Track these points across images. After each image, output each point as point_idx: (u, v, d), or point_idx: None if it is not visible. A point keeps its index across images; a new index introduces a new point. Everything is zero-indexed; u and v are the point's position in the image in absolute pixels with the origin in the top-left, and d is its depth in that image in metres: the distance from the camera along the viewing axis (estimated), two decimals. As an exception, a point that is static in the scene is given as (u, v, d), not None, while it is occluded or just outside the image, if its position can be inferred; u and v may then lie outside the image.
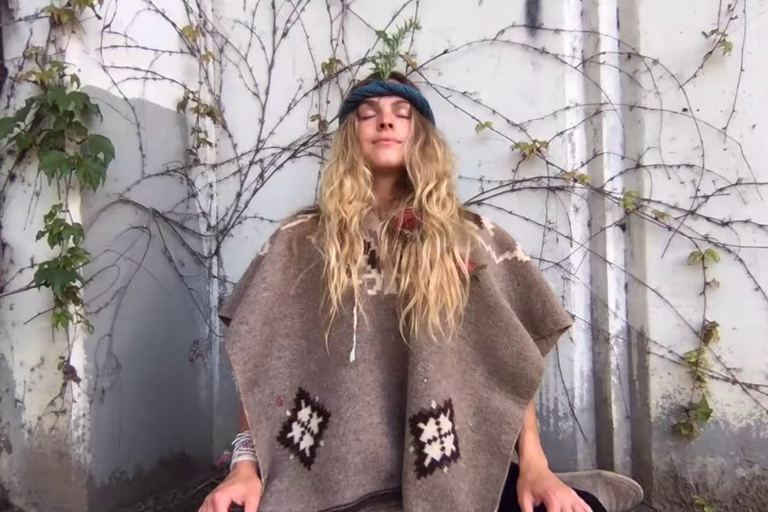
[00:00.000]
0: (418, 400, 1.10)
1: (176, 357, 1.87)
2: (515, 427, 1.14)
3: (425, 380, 1.10)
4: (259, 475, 1.12)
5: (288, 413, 1.19)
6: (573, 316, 1.64)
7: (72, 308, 1.52)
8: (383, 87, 1.24)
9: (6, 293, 1.59)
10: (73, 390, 1.55)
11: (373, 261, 1.20)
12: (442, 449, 1.09)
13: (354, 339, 1.14)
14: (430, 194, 1.19)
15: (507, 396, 1.17)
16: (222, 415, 1.99)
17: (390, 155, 1.22)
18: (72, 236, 1.46)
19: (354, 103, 1.27)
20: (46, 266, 1.47)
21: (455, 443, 1.11)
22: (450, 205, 1.21)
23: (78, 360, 1.55)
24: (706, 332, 1.51)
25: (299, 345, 1.22)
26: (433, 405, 1.10)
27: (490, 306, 1.18)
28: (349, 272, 1.16)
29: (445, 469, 1.07)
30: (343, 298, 1.14)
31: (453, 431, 1.12)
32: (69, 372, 1.54)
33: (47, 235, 1.45)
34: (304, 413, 1.18)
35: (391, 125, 1.22)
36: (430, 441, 1.08)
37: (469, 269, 1.18)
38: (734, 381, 1.51)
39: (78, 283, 1.51)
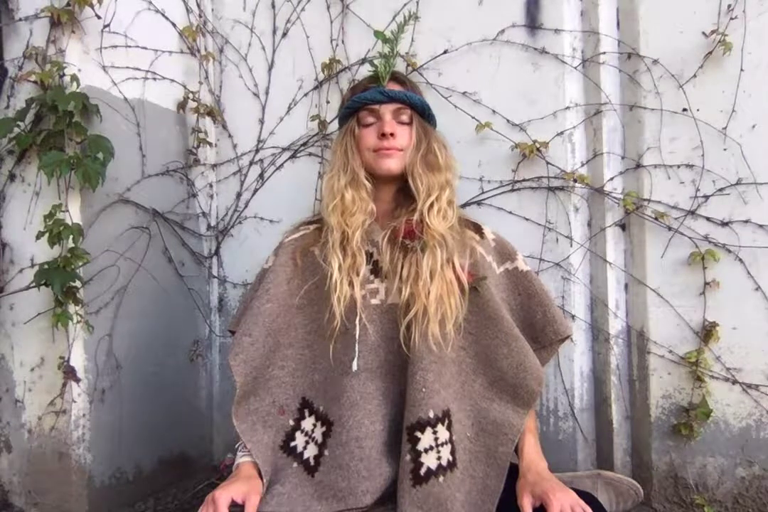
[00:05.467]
0: (416, 409, 1.10)
1: (176, 357, 1.87)
2: (512, 438, 1.15)
3: (424, 389, 1.11)
4: (260, 476, 1.13)
5: (291, 422, 1.20)
6: (573, 316, 1.64)
7: (72, 308, 1.52)
8: (383, 94, 1.22)
9: (6, 293, 1.59)
10: (73, 390, 1.55)
11: (376, 271, 1.21)
12: (439, 458, 1.09)
13: (356, 349, 1.15)
14: (431, 205, 1.19)
15: (506, 406, 1.17)
16: (222, 415, 1.99)
17: (392, 164, 1.21)
18: (72, 236, 1.46)
19: (353, 109, 1.26)
20: (46, 266, 1.47)
21: (452, 453, 1.11)
22: (450, 214, 1.20)
23: (78, 360, 1.55)
24: (706, 332, 1.51)
25: (303, 355, 1.22)
26: (431, 414, 1.10)
27: (490, 318, 1.19)
28: (351, 284, 1.16)
29: (441, 478, 1.07)
30: (346, 310, 1.15)
31: (450, 441, 1.12)
32: (69, 372, 1.54)
33: (47, 235, 1.45)
34: (307, 422, 1.19)
35: (392, 134, 1.20)
36: (426, 450, 1.09)
37: (469, 280, 1.18)
38: (734, 381, 1.51)
39: (78, 283, 1.51)
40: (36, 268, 1.50)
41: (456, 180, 1.27)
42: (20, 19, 1.58)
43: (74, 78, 1.51)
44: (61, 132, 1.51)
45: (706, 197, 1.53)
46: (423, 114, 1.26)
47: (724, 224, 1.52)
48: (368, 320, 1.16)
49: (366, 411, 1.13)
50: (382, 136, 1.21)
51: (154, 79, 1.79)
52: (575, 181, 1.62)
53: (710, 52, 1.50)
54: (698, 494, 1.52)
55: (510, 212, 1.68)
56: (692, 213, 1.54)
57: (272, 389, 1.21)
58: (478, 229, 1.29)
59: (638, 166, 1.58)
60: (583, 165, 1.65)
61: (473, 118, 1.67)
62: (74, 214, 1.53)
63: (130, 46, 1.70)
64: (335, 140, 1.32)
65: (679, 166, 1.55)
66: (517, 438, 1.15)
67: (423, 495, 1.06)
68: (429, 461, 1.08)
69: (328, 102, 1.84)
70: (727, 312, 1.51)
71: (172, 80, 1.85)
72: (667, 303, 1.55)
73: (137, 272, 1.71)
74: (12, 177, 1.61)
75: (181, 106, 1.88)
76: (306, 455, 1.15)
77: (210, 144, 1.97)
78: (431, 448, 1.09)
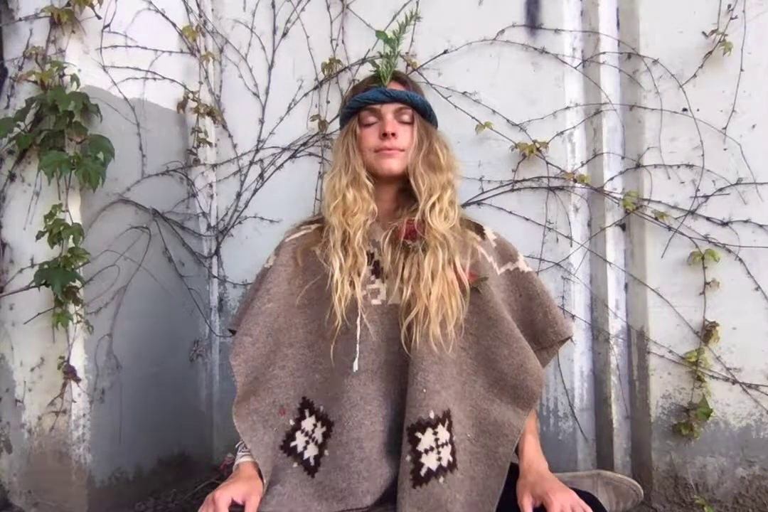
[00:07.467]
0: (416, 410, 1.10)
1: (176, 357, 1.87)
2: (512, 439, 1.15)
3: (424, 390, 1.11)
4: (260, 476, 1.13)
5: (292, 422, 1.20)
6: (573, 316, 1.64)
7: (72, 308, 1.52)
8: (385, 94, 1.22)
9: (6, 293, 1.59)
10: (73, 390, 1.55)
11: (377, 271, 1.20)
12: (439, 459, 1.09)
13: (357, 349, 1.15)
14: (433, 206, 1.18)
15: (507, 407, 1.17)
16: (222, 415, 1.99)
17: (393, 165, 1.21)
18: (72, 236, 1.46)
19: (355, 109, 1.25)
20: (46, 266, 1.47)
21: (452, 454, 1.11)
22: (452, 214, 1.20)
23: (78, 360, 1.55)
24: (706, 332, 1.51)
25: (303, 355, 1.22)
26: (432, 415, 1.10)
27: (491, 318, 1.18)
28: (352, 284, 1.16)
29: (441, 479, 1.07)
30: (347, 310, 1.15)
31: (451, 441, 1.12)
32: (69, 372, 1.54)
33: (47, 235, 1.45)
34: (308, 422, 1.18)
35: (394, 134, 1.20)
36: (426, 451, 1.09)
37: (470, 280, 1.18)
38: (734, 381, 1.51)
39: (78, 283, 1.51)
40: (36, 268, 1.49)
41: (457, 180, 1.27)
42: (20, 19, 1.58)
43: (74, 78, 1.51)
44: (61, 132, 1.51)
45: (706, 197, 1.53)
46: (424, 114, 1.26)
47: (724, 224, 1.52)
48: (369, 320, 1.16)
49: (366, 411, 1.13)
50: (384, 135, 1.20)
51: (154, 79, 1.79)
52: (575, 181, 1.62)
53: (710, 52, 1.50)
54: (698, 494, 1.52)
55: (510, 212, 1.68)
56: (692, 213, 1.54)
57: (273, 389, 1.21)
58: (479, 229, 1.29)
59: (638, 165, 1.58)
60: (583, 165, 1.65)
61: (473, 118, 1.67)
62: (74, 214, 1.53)
63: (130, 46, 1.71)
64: (336, 140, 1.31)
65: (679, 166, 1.55)
66: (518, 438, 1.15)
67: (423, 495, 1.06)
68: (429, 462, 1.08)
69: (328, 102, 1.84)
70: (727, 312, 1.51)
71: (172, 80, 1.85)
72: (667, 303, 1.55)
73: (137, 272, 1.71)
74: (12, 177, 1.61)
75: (181, 105, 1.88)
76: (306, 455, 1.15)
77: (210, 144, 1.97)
78: (431, 449, 1.09)
